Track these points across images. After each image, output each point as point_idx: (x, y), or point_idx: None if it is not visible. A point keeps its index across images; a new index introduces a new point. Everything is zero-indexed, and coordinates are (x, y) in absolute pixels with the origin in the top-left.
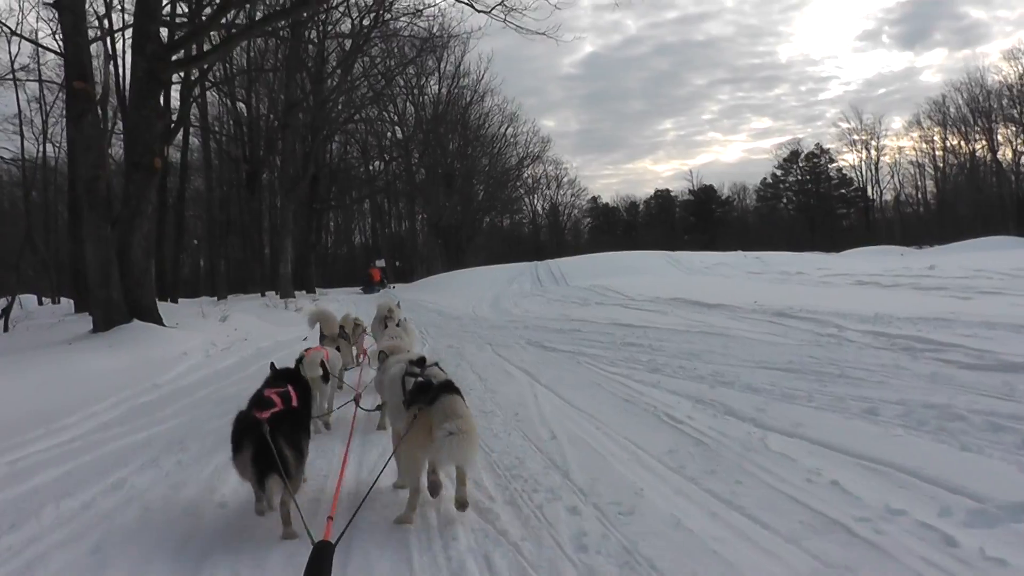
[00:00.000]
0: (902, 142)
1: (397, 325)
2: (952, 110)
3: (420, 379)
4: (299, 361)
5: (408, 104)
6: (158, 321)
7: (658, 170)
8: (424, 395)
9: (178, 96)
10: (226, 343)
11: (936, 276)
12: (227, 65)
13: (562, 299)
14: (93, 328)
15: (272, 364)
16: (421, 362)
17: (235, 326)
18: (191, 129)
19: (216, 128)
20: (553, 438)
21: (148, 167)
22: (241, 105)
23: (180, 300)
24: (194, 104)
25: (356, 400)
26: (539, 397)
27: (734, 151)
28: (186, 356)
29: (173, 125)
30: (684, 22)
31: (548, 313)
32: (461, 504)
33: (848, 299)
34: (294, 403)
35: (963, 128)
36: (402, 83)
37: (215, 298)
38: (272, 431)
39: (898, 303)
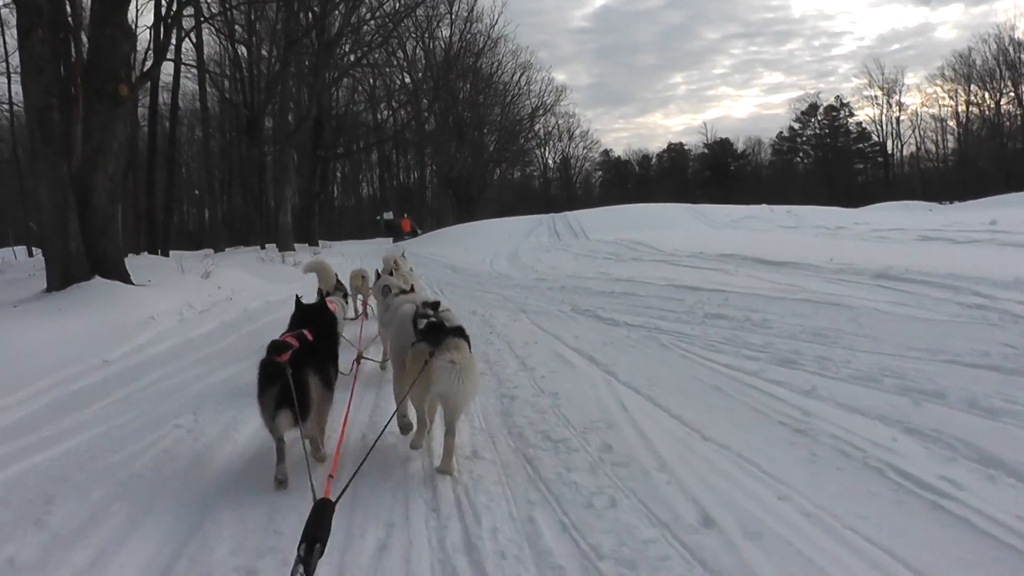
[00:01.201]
0: (922, 96)
1: (391, 273)
2: (979, 62)
3: (433, 319)
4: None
5: (418, 49)
6: (125, 278)
7: (669, 124)
8: (435, 335)
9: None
10: (205, 304)
11: (1006, 232)
12: None
13: (590, 254)
14: (47, 286)
15: (297, 298)
16: (435, 305)
17: (219, 284)
18: (186, 71)
19: (215, 71)
20: (707, 525)
21: (112, 95)
22: (242, 49)
23: (173, 253)
24: (189, 42)
25: (358, 359)
26: (630, 409)
27: (745, 106)
28: (153, 321)
29: (154, 60)
30: None
31: (581, 270)
32: (443, 472)
33: (939, 257)
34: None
35: (990, 81)
36: (412, 27)
37: (212, 251)
38: (296, 369)
39: (1004, 262)
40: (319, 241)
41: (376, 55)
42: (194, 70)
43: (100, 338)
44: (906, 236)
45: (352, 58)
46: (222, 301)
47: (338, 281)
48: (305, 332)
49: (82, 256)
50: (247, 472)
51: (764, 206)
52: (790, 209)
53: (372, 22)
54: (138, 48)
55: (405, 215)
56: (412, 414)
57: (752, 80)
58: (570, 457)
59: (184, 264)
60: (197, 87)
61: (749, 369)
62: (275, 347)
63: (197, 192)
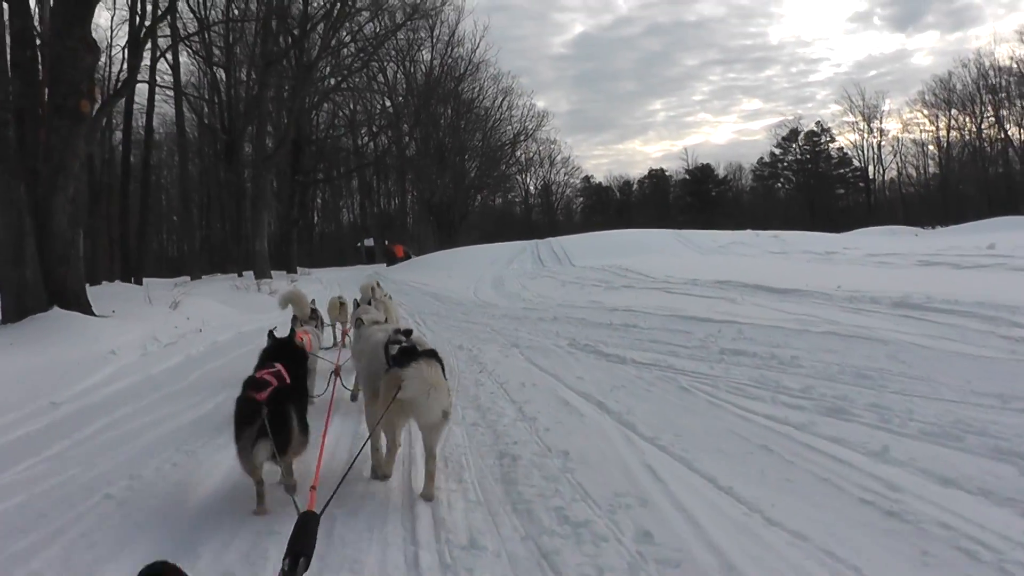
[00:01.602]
0: (902, 121)
1: (369, 303)
2: (959, 87)
3: (405, 345)
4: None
5: (399, 74)
6: (86, 309)
7: (648, 151)
8: (407, 360)
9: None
10: (172, 337)
11: (1008, 256)
12: (199, 15)
13: (577, 281)
14: (1, 318)
15: (271, 332)
16: (407, 333)
17: (188, 314)
18: (164, 95)
19: (192, 94)
20: None
21: (73, 111)
22: (220, 72)
23: (148, 281)
24: (166, 64)
25: (336, 372)
26: (663, 476)
27: (724, 132)
28: (113, 356)
29: (124, 79)
30: (676, 2)
31: (572, 299)
32: (425, 497)
33: (953, 284)
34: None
35: (970, 106)
36: (392, 51)
37: (188, 279)
38: (273, 406)
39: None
40: (297, 268)
41: (356, 79)
42: (171, 93)
43: (53, 376)
44: (905, 261)
45: (332, 82)
46: (190, 333)
47: (314, 310)
48: (280, 368)
49: (39, 285)
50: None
51: (749, 231)
52: (776, 234)
53: (352, 45)
54: (112, 69)
55: (391, 242)
56: (384, 449)
57: (731, 106)
58: (599, 551)
59: (152, 293)
60: (174, 111)
61: (795, 421)
62: (253, 384)
63: (176, 219)
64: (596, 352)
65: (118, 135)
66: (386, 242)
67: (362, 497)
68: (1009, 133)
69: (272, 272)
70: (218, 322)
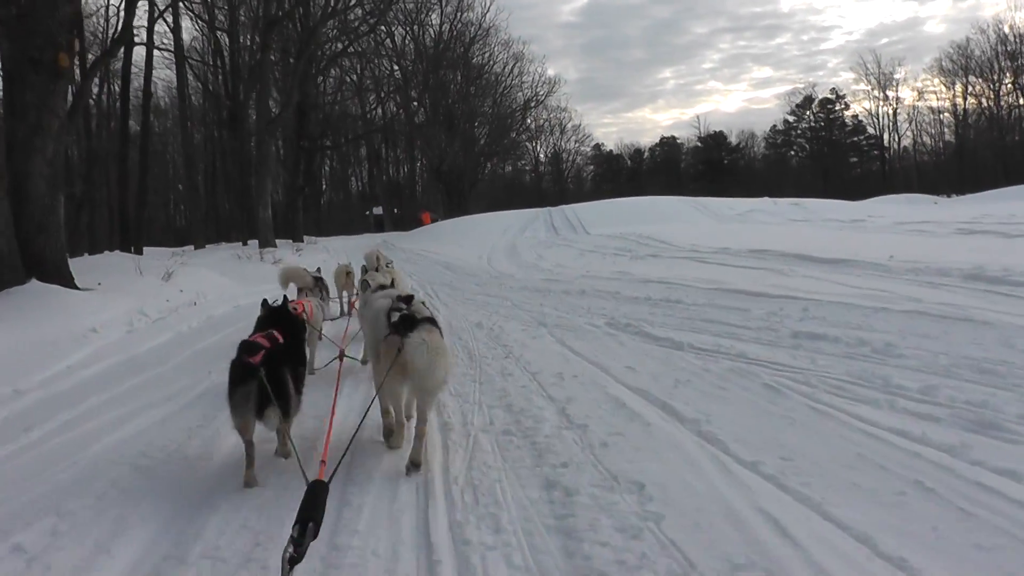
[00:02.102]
0: (916, 89)
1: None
2: (977, 53)
3: (405, 312)
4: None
5: (407, 39)
6: (68, 281)
7: (658, 119)
8: (407, 326)
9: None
10: (161, 311)
11: None
12: None
13: (596, 250)
14: None
15: (264, 301)
16: (408, 299)
17: (182, 286)
18: (162, 59)
19: (195, 59)
20: None
21: (50, 66)
22: (224, 38)
23: (150, 250)
24: (167, 27)
25: (340, 357)
26: (790, 528)
27: (734, 101)
28: (94, 334)
29: (116, 36)
30: None
31: (595, 269)
32: (413, 464)
33: (1017, 254)
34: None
35: (988, 72)
36: (401, 16)
37: (192, 248)
38: (269, 369)
39: None
40: (304, 237)
41: (363, 44)
42: (172, 57)
43: (23, 358)
44: (943, 229)
45: (339, 47)
46: (183, 307)
47: (319, 279)
48: (275, 333)
49: (15, 255)
50: None
51: (766, 199)
52: (797, 202)
53: (359, 8)
54: (109, 32)
55: (372, 210)
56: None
57: (741, 75)
58: None
59: (147, 264)
60: (176, 76)
61: (939, 441)
62: (246, 348)
63: (181, 187)
64: (642, 334)
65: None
66: (375, 211)
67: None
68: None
69: (278, 241)
70: (215, 294)
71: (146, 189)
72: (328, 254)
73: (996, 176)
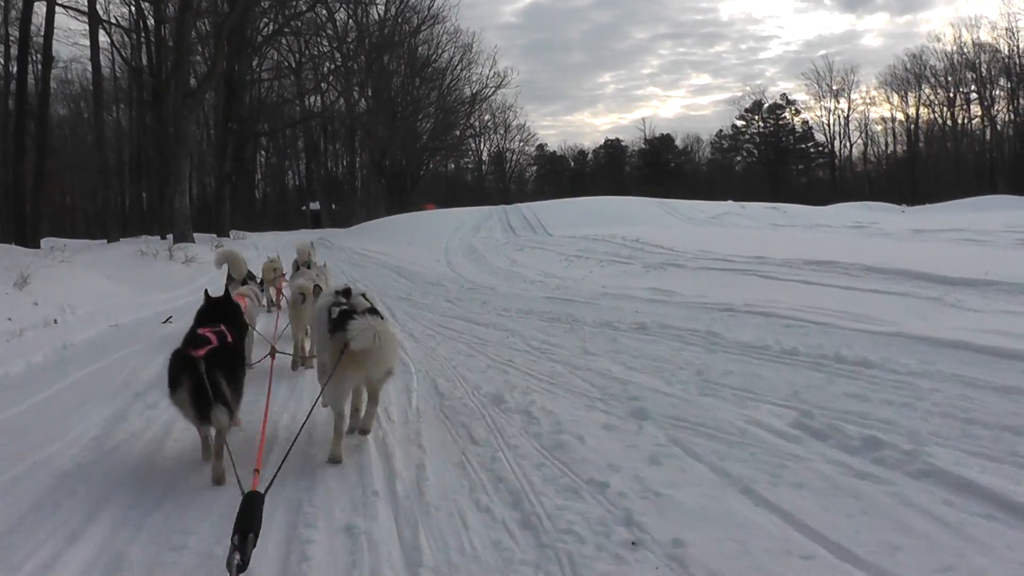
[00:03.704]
0: (865, 98)
1: (309, 267)
2: (932, 63)
3: (344, 307)
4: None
5: (350, 23)
6: None
7: (596, 123)
8: (348, 320)
9: None
10: None
11: None
12: None
13: (583, 254)
14: None
15: (206, 292)
16: (347, 292)
17: (41, 296)
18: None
19: (114, 23)
20: None
21: None
22: (148, 8)
23: (50, 241)
24: None
25: (272, 355)
26: None
27: (672, 107)
28: None
29: None
30: None
31: (607, 281)
32: (363, 431)
33: None
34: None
35: (943, 83)
36: None
37: (104, 241)
38: (209, 368)
39: None
40: (231, 232)
41: (302, 24)
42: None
43: None
44: (1001, 239)
45: (274, 27)
46: (33, 328)
47: (249, 272)
48: (223, 328)
49: None
50: None
51: (731, 202)
52: (774, 206)
53: None
54: None
55: (308, 205)
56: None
57: (680, 81)
58: None
59: (15, 260)
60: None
61: None
62: (192, 341)
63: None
64: (914, 473)
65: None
66: (311, 206)
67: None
68: (991, 111)
69: (200, 236)
70: (89, 307)
71: (43, 171)
72: (256, 251)
73: (950, 187)
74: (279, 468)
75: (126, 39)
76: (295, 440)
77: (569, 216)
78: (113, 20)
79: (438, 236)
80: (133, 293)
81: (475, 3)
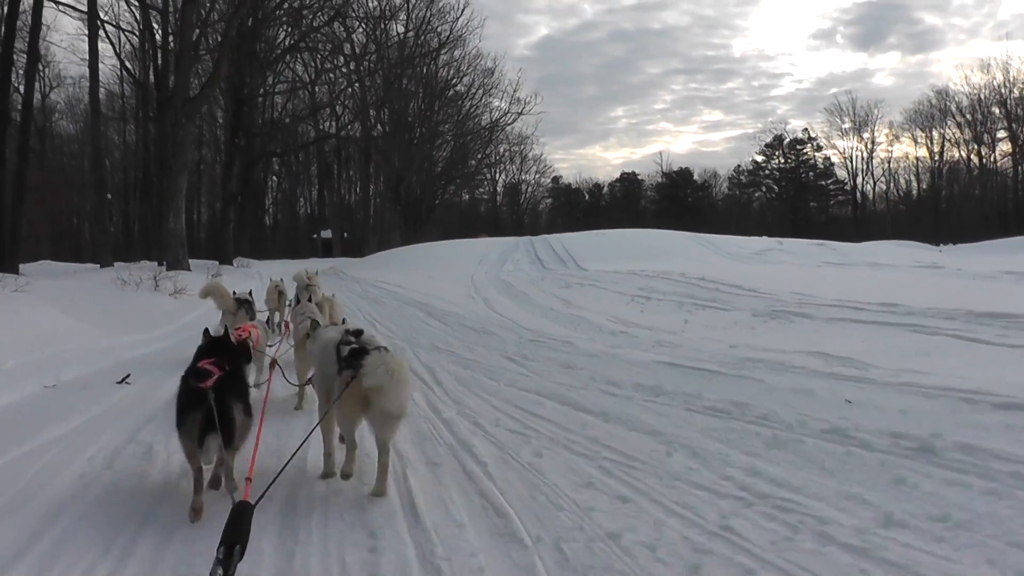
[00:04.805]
0: (890, 136)
1: (310, 300)
2: (953, 106)
3: (356, 346)
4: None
5: (370, 43)
6: None
7: (608, 157)
8: (358, 359)
9: None
10: None
11: None
12: None
13: (646, 295)
14: None
15: (206, 330)
16: (358, 333)
17: None
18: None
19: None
20: None
21: None
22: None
23: (33, 267)
24: None
25: (271, 366)
26: None
27: (684, 142)
28: None
29: None
30: (641, 9)
31: (712, 333)
32: (377, 494)
33: None
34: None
35: (971, 122)
36: (363, 13)
37: (99, 265)
38: (218, 396)
39: None
40: (235, 259)
41: (318, 38)
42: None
43: None
44: None
45: (289, 41)
46: None
47: (248, 301)
48: (223, 360)
49: None
50: None
51: (766, 238)
52: (821, 243)
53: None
54: None
55: (320, 234)
56: (338, 457)
57: (691, 116)
58: None
59: None
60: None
61: None
62: (196, 374)
63: (110, 196)
64: None
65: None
66: (323, 234)
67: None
68: (1017, 150)
69: (201, 263)
70: (24, 356)
71: (24, 182)
72: (259, 280)
73: (974, 228)
74: (272, 481)
75: (132, 48)
76: (293, 455)
77: (600, 249)
78: (117, 24)
79: (461, 268)
80: (95, 334)
81: (490, 35)
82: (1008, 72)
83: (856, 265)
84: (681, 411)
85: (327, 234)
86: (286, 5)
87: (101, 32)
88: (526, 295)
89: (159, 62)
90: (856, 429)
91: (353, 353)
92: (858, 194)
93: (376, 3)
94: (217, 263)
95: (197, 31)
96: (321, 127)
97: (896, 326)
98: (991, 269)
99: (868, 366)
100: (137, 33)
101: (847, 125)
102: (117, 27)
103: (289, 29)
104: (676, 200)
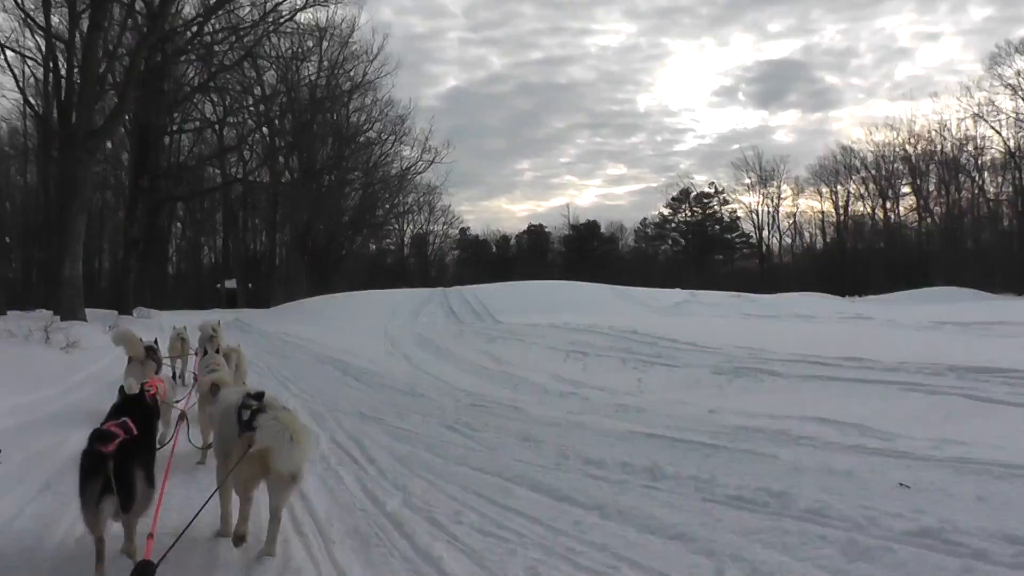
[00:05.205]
0: (794, 190)
1: (217, 351)
2: (858, 162)
3: (257, 408)
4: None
5: (280, 86)
6: None
7: (514, 209)
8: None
9: None
10: None
11: None
12: None
13: (581, 350)
14: None
15: (121, 388)
16: (259, 396)
17: None
18: None
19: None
20: None
21: None
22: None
23: None
24: None
25: (181, 418)
26: None
27: (589, 195)
28: None
29: None
30: (548, 63)
31: (681, 395)
32: (268, 554)
33: None
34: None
35: (875, 177)
36: (274, 54)
37: None
38: (119, 461)
39: None
40: (135, 309)
41: (228, 78)
42: None
43: None
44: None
45: (198, 80)
46: None
47: (150, 349)
48: (128, 421)
49: None
50: None
51: (679, 290)
52: (738, 295)
53: (224, 38)
54: None
55: (224, 284)
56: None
57: (596, 170)
58: None
59: None
60: None
61: None
62: (99, 436)
63: (8, 239)
64: None
65: None
66: (227, 284)
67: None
68: (926, 203)
69: (100, 312)
70: None
71: None
72: (161, 332)
73: (879, 280)
74: (176, 541)
75: (36, 81)
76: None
77: (515, 301)
78: (19, 51)
79: (374, 320)
80: None
81: (400, 84)
82: (912, 128)
83: (781, 317)
84: (698, 502)
85: (232, 284)
86: (196, 40)
87: (3, 62)
88: (449, 351)
89: (63, 96)
90: (953, 530)
91: (254, 416)
92: (764, 247)
93: (289, 44)
94: (116, 313)
95: (104, 65)
96: (229, 171)
97: (883, 384)
98: (922, 320)
99: (892, 436)
100: (41, 63)
101: (752, 180)
102: (19, 54)
103: (199, 67)
104: (583, 252)
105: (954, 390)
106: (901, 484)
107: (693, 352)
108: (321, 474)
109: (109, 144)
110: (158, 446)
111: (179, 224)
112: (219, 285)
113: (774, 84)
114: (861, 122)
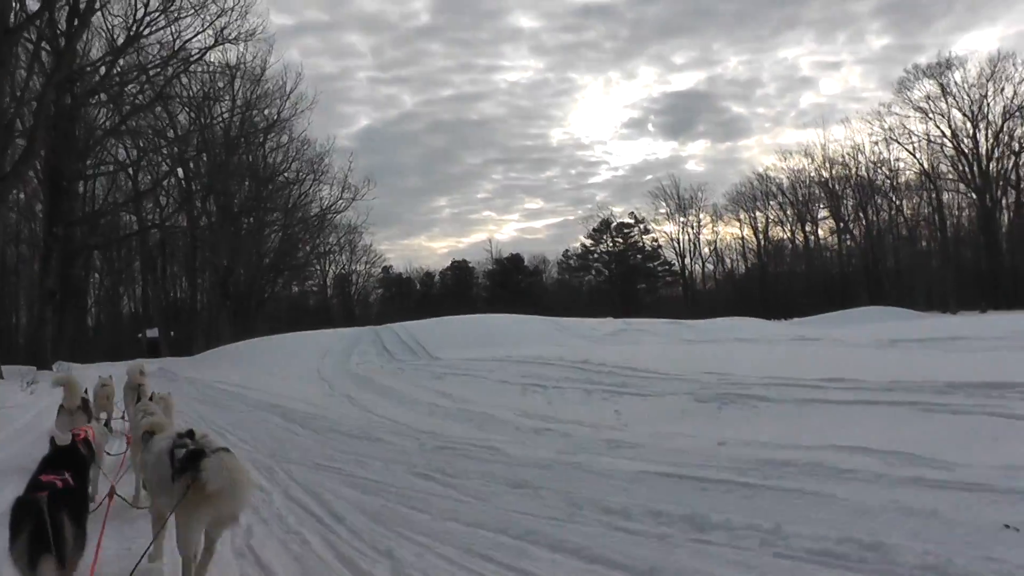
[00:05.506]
0: (713, 217)
1: (151, 399)
2: (774, 188)
3: (192, 447)
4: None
5: (193, 129)
6: None
7: (434, 246)
8: (196, 461)
9: None
10: None
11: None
12: None
13: (540, 383)
14: None
15: (52, 439)
16: (190, 434)
17: None
18: None
19: None
20: None
21: None
22: None
23: None
24: None
25: (110, 495)
26: None
27: (508, 230)
28: None
29: None
30: (459, 100)
31: (679, 427)
32: None
33: None
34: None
35: (793, 201)
36: (186, 96)
37: None
38: (52, 511)
39: None
40: (54, 364)
41: (140, 121)
42: None
43: None
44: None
45: (110, 124)
46: None
47: (85, 402)
48: (66, 474)
49: None
50: None
51: (611, 319)
52: (676, 322)
53: (135, 77)
54: None
55: (146, 333)
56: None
57: (513, 205)
58: None
59: None
60: None
61: None
62: (34, 486)
63: None
64: None
65: None
66: (149, 333)
67: None
68: (846, 225)
69: (15, 368)
70: None
71: None
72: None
73: (801, 303)
74: None
75: None
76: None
77: (450, 337)
78: None
79: (304, 362)
80: None
81: (314, 125)
82: (826, 153)
83: (723, 342)
84: (771, 558)
85: (153, 333)
86: (106, 80)
87: None
88: (393, 389)
89: None
90: None
91: (191, 455)
92: (687, 274)
93: (200, 85)
94: (35, 369)
95: (12, 111)
96: (145, 217)
97: (890, 405)
98: (868, 339)
99: (950, 464)
100: None
101: (670, 208)
102: None
103: (110, 109)
104: (508, 286)
105: (977, 409)
106: (1007, 526)
107: (660, 380)
108: (282, 538)
109: (22, 195)
110: (91, 502)
111: (96, 274)
112: (140, 334)
113: (682, 115)
114: (770, 150)
